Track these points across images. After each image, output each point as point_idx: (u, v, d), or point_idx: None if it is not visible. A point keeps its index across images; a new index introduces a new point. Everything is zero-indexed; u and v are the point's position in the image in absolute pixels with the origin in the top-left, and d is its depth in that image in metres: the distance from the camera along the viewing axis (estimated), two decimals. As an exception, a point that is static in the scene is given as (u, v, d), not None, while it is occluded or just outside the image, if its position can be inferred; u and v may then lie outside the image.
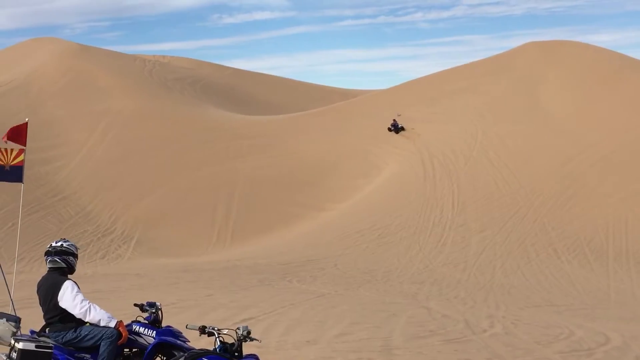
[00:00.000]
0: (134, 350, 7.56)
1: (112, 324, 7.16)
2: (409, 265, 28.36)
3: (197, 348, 6.73)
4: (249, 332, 6.19)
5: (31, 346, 5.91)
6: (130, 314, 9.02)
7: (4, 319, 6.85)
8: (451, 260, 28.97)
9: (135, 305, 8.23)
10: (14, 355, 5.87)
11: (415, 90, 51.18)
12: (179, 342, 7.35)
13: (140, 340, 7.51)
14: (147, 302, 8.18)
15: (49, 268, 7.53)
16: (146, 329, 7.61)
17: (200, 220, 38.92)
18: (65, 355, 6.50)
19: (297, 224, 38.08)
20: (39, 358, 5.88)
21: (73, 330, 7.17)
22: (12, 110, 49.04)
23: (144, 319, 7.95)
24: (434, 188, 36.17)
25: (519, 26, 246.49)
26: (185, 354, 5.89)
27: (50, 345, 6.01)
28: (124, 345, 7.40)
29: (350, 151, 44.00)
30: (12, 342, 6.36)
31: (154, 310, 8.03)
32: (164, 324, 7.92)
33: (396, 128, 44.36)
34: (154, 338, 7.49)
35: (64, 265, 7.53)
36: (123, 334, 7.15)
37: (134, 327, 7.64)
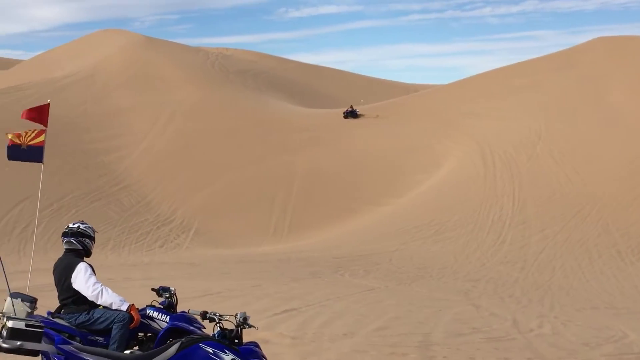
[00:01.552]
0: (148, 334, 7.51)
1: (124, 308, 7.11)
2: (465, 263, 27.83)
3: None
4: (245, 319, 6.03)
5: (21, 325, 5.85)
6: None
7: (19, 299, 6.85)
8: (509, 259, 28.30)
9: (153, 289, 8.20)
10: (4, 333, 5.84)
11: (478, 85, 50.29)
12: (191, 327, 7.27)
13: (153, 324, 7.48)
14: (160, 287, 8.13)
15: (65, 249, 7.52)
16: (160, 314, 7.55)
17: (258, 213, 39.06)
18: (58, 335, 6.46)
19: (354, 218, 37.84)
20: (29, 337, 5.82)
21: (86, 312, 7.16)
22: (77, 100, 50.25)
23: (159, 303, 7.90)
24: (494, 185, 35.42)
25: (591, 22, 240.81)
26: (183, 339, 5.77)
27: (41, 325, 5.95)
28: (137, 329, 7.37)
29: (410, 146, 43.51)
30: (4, 320, 6.35)
31: (167, 295, 7.97)
32: (179, 309, 7.86)
33: (351, 114, 44.80)
34: (167, 323, 7.43)
35: (79, 247, 7.52)
36: (135, 318, 7.10)
37: (148, 311, 7.60)
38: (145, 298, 8.71)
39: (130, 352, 6.53)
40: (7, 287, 6.70)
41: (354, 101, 62.79)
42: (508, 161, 37.63)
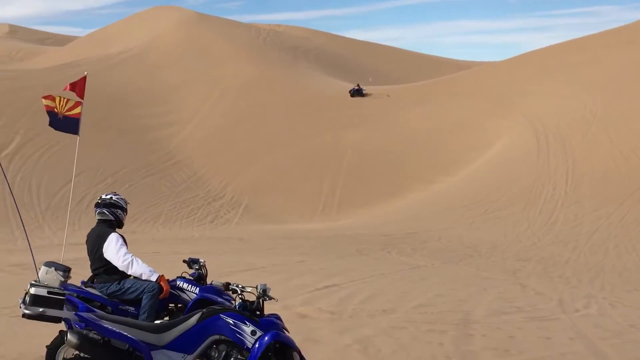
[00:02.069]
0: (178, 305, 7.54)
1: (154, 278, 7.13)
2: (515, 242, 27.37)
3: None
4: (265, 291, 5.95)
5: (43, 292, 5.91)
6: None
7: (53, 268, 6.91)
8: (561, 239, 27.71)
9: (184, 261, 8.22)
10: (27, 299, 5.90)
11: (533, 62, 49.17)
12: (220, 299, 7.24)
13: (183, 295, 7.50)
14: (190, 259, 8.14)
15: (98, 220, 7.57)
16: (190, 285, 7.57)
17: (308, 189, 39.09)
18: (82, 303, 6.49)
19: (404, 196, 37.58)
20: (51, 304, 5.87)
21: (117, 282, 7.21)
22: (130, 77, 50.89)
23: (189, 275, 7.91)
24: (547, 163, 34.68)
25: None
26: (204, 310, 5.74)
27: (63, 292, 5.99)
28: (168, 300, 7.40)
29: (461, 123, 42.91)
30: (28, 287, 6.43)
31: (197, 267, 7.98)
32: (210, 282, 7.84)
33: (357, 92, 43.60)
34: (196, 294, 7.44)
35: (111, 217, 7.54)
36: (164, 289, 7.12)
37: (178, 282, 7.62)
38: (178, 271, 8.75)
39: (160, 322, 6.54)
40: (32, 258, 6.77)
41: (405, 79, 62.15)
42: (562, 139, 36.77)
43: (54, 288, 5.96)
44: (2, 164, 36.16)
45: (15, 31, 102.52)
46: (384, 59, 76.24)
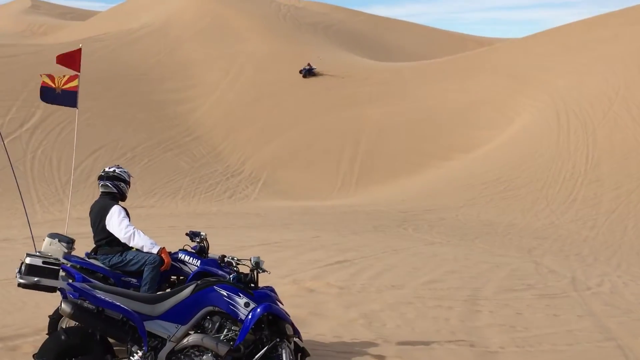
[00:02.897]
0: (180, 277, 7.61)
1: (155, 250, 7.19)
2: (533, 220, 27.24)
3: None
4: (257, 263, 5.97)
5: (38, 261, 6.00)
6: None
7: (57, 239, 7.00)
8: (580, 217, 27.52)
9: (186, 234, 8.27)
10: (23, 269, 5.98)
11: (554, 39, 48.51)
12: (220, 272, 7.29)
13: (185, 268, 7.57)
14: (190, 232, 8.20)
15: (101, 192, 7.64)
16: (191, 258, 7.64)
17: (326, 165, 39.09)
18: (78, 273, 6.56)
19: (423, 173, 37.46)
20: (46, 274, 5.97)
21: (119, 254, 7.29)
22: (151, 52, 50.97)
23: (191, 248, 7.97)
24: (567, 141, 34.34)
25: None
26: (198, 281, 5.79)
27: (58, 263, 6.07)
28: (169, 272, 7.47)
29: (481, 100, 42.56)
30: (25, 256, 6.52)
31: (199, 240, 8.04)
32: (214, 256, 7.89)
33: (308, 72, 42.13)
34: (197, 267, 7.50)
35: (114, 190, 7.61)
36: (165, 261, 7.19)
37: (180, 255, 7.68)
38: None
39: (154, 294, 6.60)
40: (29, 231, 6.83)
41: (426, 55, 61.72)
42: (583, 117, 36.36)
43: (49, 258, 6.04)
44: (23, 138, 36.52)
45: (37, 6, 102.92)
46: (405, 35, 75.64)
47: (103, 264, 7.27)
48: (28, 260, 5.94)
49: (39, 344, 7.17)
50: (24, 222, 24.11)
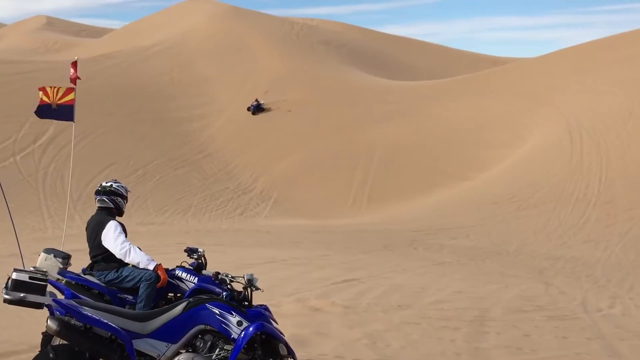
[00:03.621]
0: (177, 294, 7.50)
1: (151, 267, 7.09)
2: (545, 241, 26.95)
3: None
4: (250, 281, 5.85)
5: (24, 277, 5.88)
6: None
7: (52, 255, 6.92)
8: (592, 238, 27.18)
9: (185, 250, 8.17)
10: (9, 284, 5.89)
11: (568, 59, 48.35)
12: (218, 289, 7.18)
13: (182, 285, 7.48)
14: (188, 248, 8.09)
15: (98, 207, 7.55)
16: (188, 275, 7.54)
17: (338, 184, 38.98)
18: (68, 289, 6.44)
19: (435, 192, 37.26)
20: (32, 289, 5.84)
21: (115, 270, 7.20)
22: (164, 69, 51.26)
23: (189, 265, 7.87)
24: (580, 162, 34.07)
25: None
26: (190, 299, 5.67)
27: (45, 278, 5.95)
28: (166, 289, 7.37)
29: (494, 120, 42.39)
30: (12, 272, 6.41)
31: (196, 257, 7.94)
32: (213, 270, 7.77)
33: (256, 108, 41.08)
34: (194, 284, 7.40)
35: (111, 205, 7.53)
36: (161, 277, 7.08)
37: (176, 272, 7.59)
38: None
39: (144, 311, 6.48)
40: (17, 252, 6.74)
41: (440, 74, 61.71)
42: (596, 138, 36.08)
43: (35, 273, 5.93)
44: (36, 154, 36.67)
45: (52, 23, 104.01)
46: (419, 54, 75.69)
47: (99, 280, 7.17)
48: (14, 276, 5.85)
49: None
50: (34, 237, 24.15)
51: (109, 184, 7.60)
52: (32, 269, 6.24)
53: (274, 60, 53.39)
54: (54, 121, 37.37)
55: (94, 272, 7.26)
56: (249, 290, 5.87)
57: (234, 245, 20.89)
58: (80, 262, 7.96)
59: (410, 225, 29.76)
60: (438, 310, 11.57)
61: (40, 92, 10.58)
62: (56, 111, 10.64)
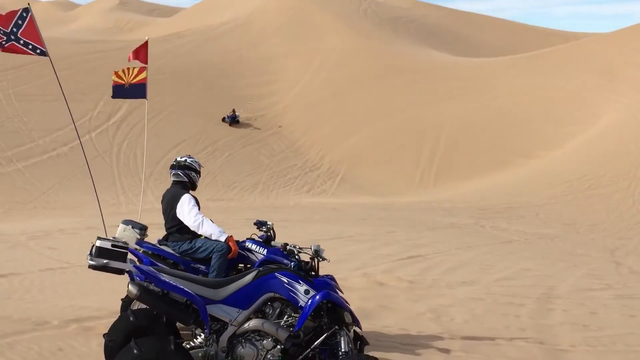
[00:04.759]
0: (247, 265, 7.76)
1: (223, 238, 7.36)
2: (618, 220, 26.41)
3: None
4: (317, 252, 6.05)
5: (107, 244, 6.25)
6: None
7: (130, 226, 7.27)
8: (667, 217, 26.53)
9: (254, 223, 8.42)
10: (93, 251, 6.24)
11: (645, 33, 46.79)
12: (286, 260, 7.39)
13: (251, 256, 7.72)
14: (257, 221, 8.33)
15: (173, 181, 7.85)
16: (258, 247, 7.78)
17: (405, 161, 38.91)
18: (146, 257, 6.76)
19: (504, 170, 36.85)
20: (114, 256, 6.21)
21: (189, 241, 7.49)
22: (233, 46, 51.81)
23: (258, 237, 8.11)
24: (655, 139, 33.14)
25: None
26: (260, 268, 5.90)
27: (126, 246, 6.30)
28: (237, 260, 7.63)
29: (566, 97, 41.49)
30: (95, 240, 6.80)
31: (265, 229, 8.18)
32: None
33: (232, 119, 39.01)
34: (263, 255, 7.64)
35: (185, 179, 7.82)
36: (232, 249, 7.34)
37: (247, 243, 7.84)
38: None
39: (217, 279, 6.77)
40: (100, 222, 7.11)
41: (511, 51, 60.58)
42: (674, 114, 35.04)
43: (117, 241, 6.29)
44: (110, 132, 37.70)
45: (125, 3, 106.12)
46: (489, 30, 74.39)
47: (173, 250, 7.50)
48: (98, 243, 6.23)
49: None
50: (110, 212, 24.97)
51: (183, 159, 7.91)
52: (112, 238, 6.62)
53: (341, 37, 53.34)
54: (127, 100, 38.47)
55: (169, 243, 7.59)
56: (315, 260, 6.09)
57: (301, 222, 21.18)
58: (154, 235, 8.31)
59: (478, 203, 29.56)
60: (504, 287, 11.59)
61: (114, 75, 11.01)
62: (129, 90, 11.08)
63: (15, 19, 8.91)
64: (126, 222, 7.49)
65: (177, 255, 7.46)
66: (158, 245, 7.60)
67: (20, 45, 8.92)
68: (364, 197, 33.73)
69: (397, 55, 51.39)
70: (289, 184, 35.17)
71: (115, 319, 5.93)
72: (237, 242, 7.58)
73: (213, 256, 7.29)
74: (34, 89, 39.17)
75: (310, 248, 6.12)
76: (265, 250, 7.70)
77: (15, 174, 30.27)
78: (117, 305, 7.90)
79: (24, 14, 8.99)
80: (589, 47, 48.73)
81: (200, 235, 7.51)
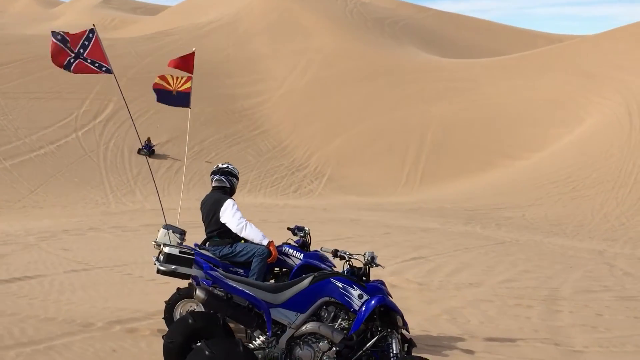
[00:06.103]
0: (283, 269, 8.01)
1: (264, 243, 7.60)
2: (603, 221, 26.94)
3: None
4: (373, 258, 6.33)
5: (175, 251, 6.50)
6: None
7: (170, 230, 7.47)
8: (651, 219, 27.09)
9: (288, 229, 8.67)
10: (161, 257, 6.45)
11: (628, 36, 47.46)
12: (323, 265, 7.66)
13: (288, 261, 7.97)
14: (295, 226, 8.59)
15: (214, 187, 8.08)
16: (295, 251, 8.02)
17: (391, 162, 39.24)
18: (206, 262, 7.02)
19: (489, 171, 37.31)
20: (182, 262, 6.48)
21: (229, 245, 7.71)
22: (220, 46, 51.81)
23: (294, 242, 8.36)
24: (639, 142, 33.75)
25: None
26: (315, 274, 6.16)
27: (192, 252, 6.56)
28: (274, 264, 7.88)
29: (550, 99, 42.08)
30: (162, 247, 7.02)
31: (302, 235, 8.43)
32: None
33: (148, 149, 36.72)
34: (300, 260, 7.89)
35: (227, 185, 8.05)
36: (273, 253, 7.58)
37: (284, 248, 8.08)
38: (281, 238, 9.20)
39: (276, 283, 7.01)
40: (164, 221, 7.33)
41: (495, 52, 61.17)
42: (656, 118, 35.70)
43: (184, 248, 6.52)
44: (96, 130, 37.46)
45: (107, 1, 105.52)
46: (473, 32, 75.00)
47: (213, 254, 7.70)
48: (166, 250, 6.45)
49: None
50: (100, 211, 24.99)
51: (225, 165, 8.15)
52: (178, 244, 6.88)
53: (327, 37, 53.59)
54: (114, 98, 38.23)
55: (209, 247, 7.80)
56: (368, 266, 6.35)
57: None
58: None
59: (465, 204, 29.95)
60: (509, 288, 11.93)
61: (159, 79, 11.18)
62: (175, 97, 11.28)
63: (82, 40, 9.20)
64: (167, 227, 7.68)
65: (217, 259, 7.67)
66: (198, 249, 7.81)
67: (88, 64, 9.20)
68: (350, 197, 33.98)
69: (383, 56, 51.73)
70: (276, 184, 35.36)
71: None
72: (276, 246, 7.82)
73: (254, 260, 7.52)
74: (18, 87, 38.98)
75: (364, 255, 6.38)
76: (302, 254, 7.94)
77: (2, 172, 30.17)
78: (151, 307, 8.10)
79: (90, 35, 9.34)
80: (573, 49, 49.43)
81: (240, 240, 7.73)
